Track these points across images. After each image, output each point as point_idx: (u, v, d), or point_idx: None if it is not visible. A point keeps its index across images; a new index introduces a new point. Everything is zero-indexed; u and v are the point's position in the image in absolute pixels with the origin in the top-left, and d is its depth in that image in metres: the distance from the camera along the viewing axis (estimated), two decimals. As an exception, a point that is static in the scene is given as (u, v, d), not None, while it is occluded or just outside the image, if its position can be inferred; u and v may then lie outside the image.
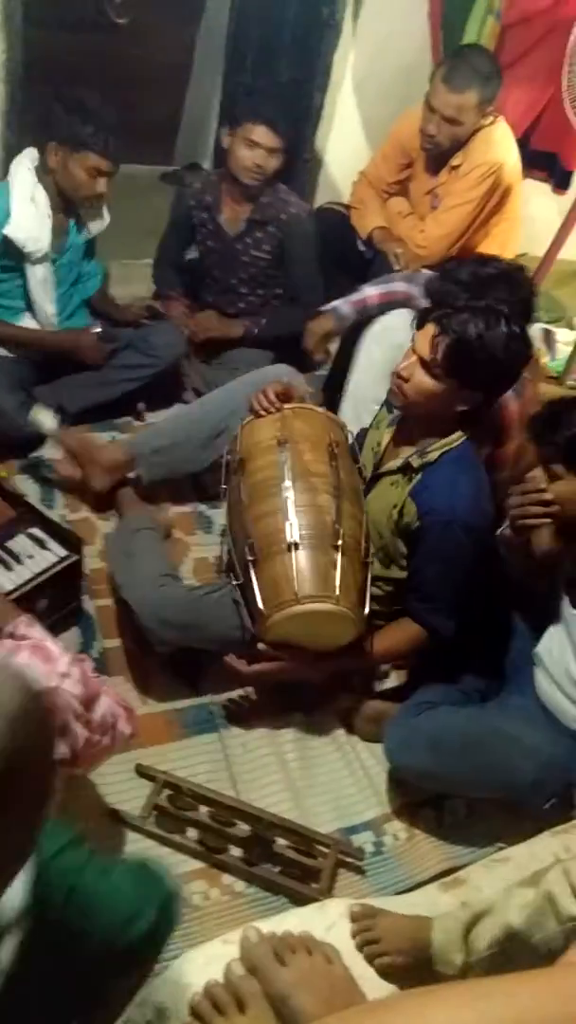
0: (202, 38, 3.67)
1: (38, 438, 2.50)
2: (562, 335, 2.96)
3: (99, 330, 2.65)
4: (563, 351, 2.87)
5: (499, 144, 2.77)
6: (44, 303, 2.55)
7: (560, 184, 3.16)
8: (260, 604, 1.86)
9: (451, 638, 1.95)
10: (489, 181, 2.76)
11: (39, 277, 2.50)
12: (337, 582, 1.83)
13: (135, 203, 3.63)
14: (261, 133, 2.60)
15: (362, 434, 2.21)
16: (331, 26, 3.06)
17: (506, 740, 1.81)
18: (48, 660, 1.27)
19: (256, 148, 2.62)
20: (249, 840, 1.81)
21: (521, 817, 1.87)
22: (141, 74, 3.51)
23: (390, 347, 2.25)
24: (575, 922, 1.14)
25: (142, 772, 1.88)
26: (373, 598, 2.06)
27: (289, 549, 1.86)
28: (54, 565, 2.01)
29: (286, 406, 2.09)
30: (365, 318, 2.47)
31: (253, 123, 2.59)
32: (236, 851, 1.80)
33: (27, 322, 2.58)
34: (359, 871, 1.84)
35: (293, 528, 1.87)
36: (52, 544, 2.06)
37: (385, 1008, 0.60)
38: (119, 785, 1.85)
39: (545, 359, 2.90)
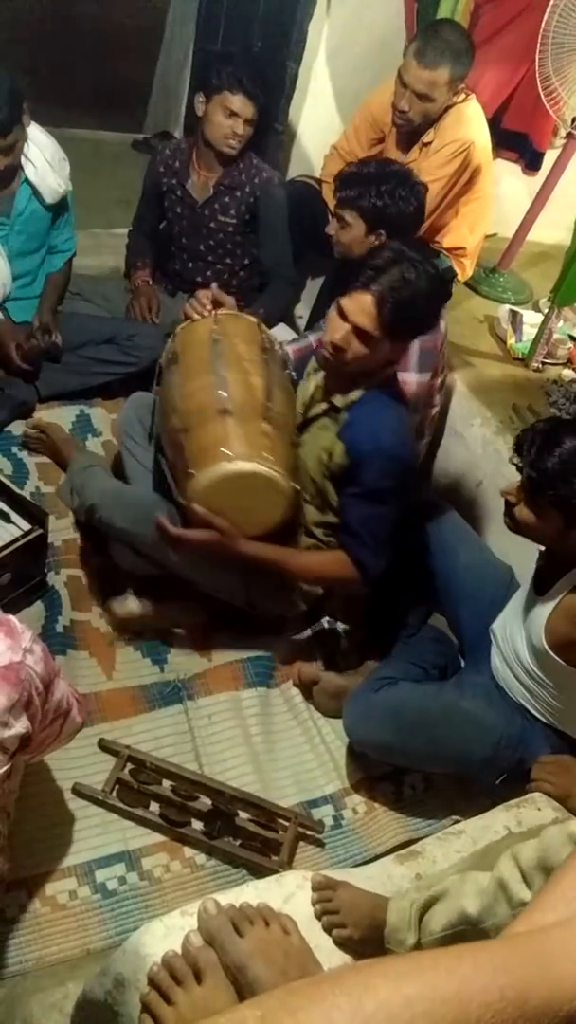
0: (174, 4, 3.60)
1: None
2: (528, 317, 2.95)
3: (35, 342, 2.51)
4: (529, 333, 2.87)
5: (470, 122, 2.75)
6: None
7: (530, 165, 3.15)
8: (190, 467, 1.85)
9: (376, 578, 1.97)
10: (460, 159, 2.73)
11: None
12: (268, 446, 1.84)
13: (106, 171, 3.59)
14: (239, 103, 2.57)
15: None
16: (306, -6, 3.01)
17: (461, 716, 1.85)
18: (12, 634, 1.26)
19: (234, 117, 2.59)
20: (211, 813, 1.83)
21: (477, 791, 1.92)
22: (113, 39, 3.44)
23: None
24: (525, 906, 1.17)
25: (105, 747, 1.89)
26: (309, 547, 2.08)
27: (222, 415, 1.86)
28: (18, 539, 2.01)
29: (219, 311, 2.08)
30: None
31: (231, 92, 2.56)
32: (198, 824, 1.83)
33: None
34: (319, 844, 1.88)
35: (226, 399, 1.88)
36: (16, 518, 2.06)
37: (332, 981, 0.62)
38: (82, 760, 1.86)
39: (511, 340, 2.91)
